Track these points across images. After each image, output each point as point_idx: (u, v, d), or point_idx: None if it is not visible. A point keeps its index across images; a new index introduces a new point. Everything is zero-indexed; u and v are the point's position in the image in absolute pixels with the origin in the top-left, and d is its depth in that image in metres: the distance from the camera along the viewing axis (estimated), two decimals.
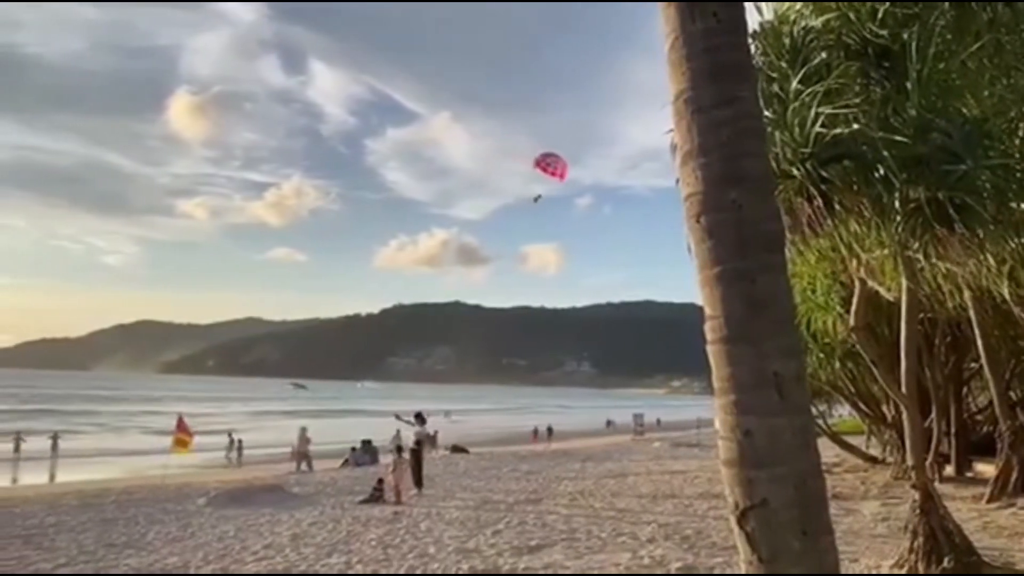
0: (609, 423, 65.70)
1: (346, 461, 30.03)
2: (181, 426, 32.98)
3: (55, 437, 38.35)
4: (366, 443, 31.87)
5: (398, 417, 22.35)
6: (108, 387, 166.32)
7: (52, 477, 30.78)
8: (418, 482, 18.07)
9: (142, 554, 11.23)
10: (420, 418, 20.16)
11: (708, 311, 3.59)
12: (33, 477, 29.52)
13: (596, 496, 16.86)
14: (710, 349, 3.60)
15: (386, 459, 28.09)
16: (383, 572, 9.50)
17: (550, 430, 48.57)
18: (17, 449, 35.88)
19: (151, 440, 43.82)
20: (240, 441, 35.11)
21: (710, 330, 3.59)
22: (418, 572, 9.28)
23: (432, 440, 41.27)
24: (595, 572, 9.08)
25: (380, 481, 17.54)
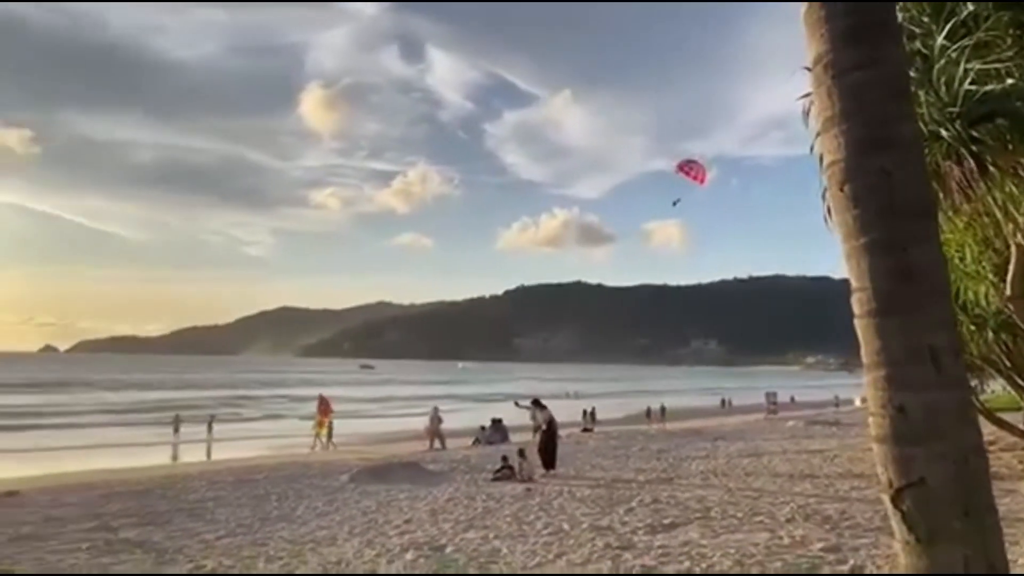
0: (724, 403, 64.08)
1: (476, 440, 30.74)
2: (322, 406, 34.79)
3: (211, 419, 41.24)
4: (496, 422, 32.47)
5: (517, 404, 22.63)
6: (254, 370, 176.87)
7: (208, 455, 33.15)
8: (548, 463, 18.23)
9: (293, 527, 11.94)
10: (538, 404, 20.32)
11: (855, 283, 3.46)
12: (191, 456, 31.86)
13: (730, 476, 16.54)
14: (858, 323, 3.47)
15: (517, 438, 28.61)
16: (519, 548, 9.71)
17: (663, 410, 48.04)
18: (177, 430, 38.79)
19: (295, 420, 46.12)
20: (331, 424, 34.76)
21: (858, 303, 3.45)
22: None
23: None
24: (733, 551, 8.94)
25: (505, 459, 17.87)
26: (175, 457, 32.08)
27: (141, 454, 30.63)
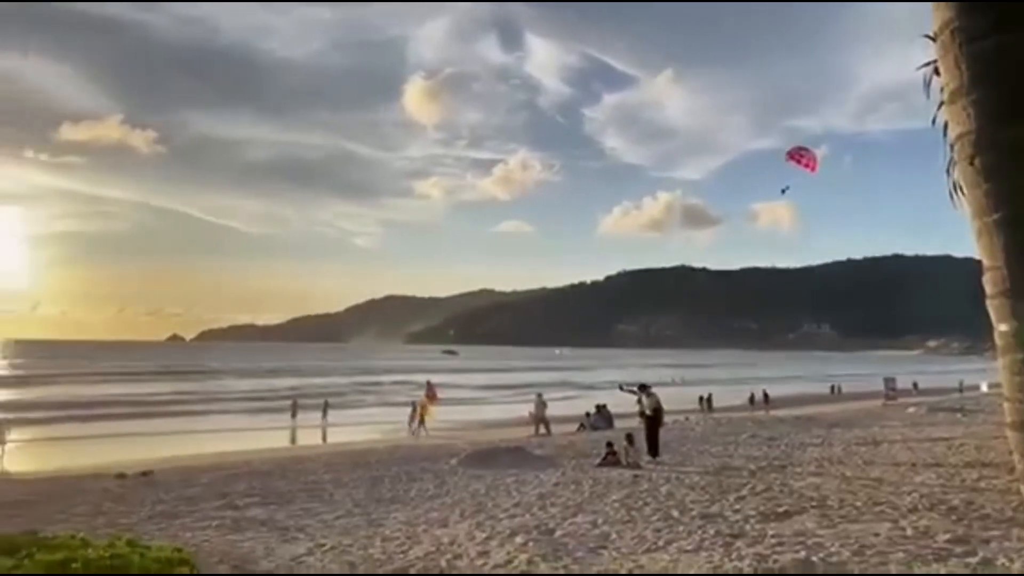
0: (834, 389, 61.62)
1: (581, 426, 30.79)
2: (430, 392, 35.62)
3: (326, 403, 42.91)
4: (600, 408, 32.42)
5: (621, 388, 22.50)
6: (363, 358, 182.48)
7: (324, 439, 34.54)
8: (652, 450, 18.07)
9: (406, 509, 12.30)
10: (644, 389, 20.12)
11: (987, 262, 3.29)
12: (308, 440, 33.26)
13: (846, 464, 15.97)
14: (990, 303, 3.30)
15: (621, 424, 28.48)
16: (628, 533, 9.70)
17: (766, 396, 46.72)
18: (294, 415, 40.52)
19: (403, 406, 47.32)
20: (423, 411, 35.31)
21: (990, 283, 3.28)
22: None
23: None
24: (852, 541, 8.64)
25: (610, 444, 17.81)
26: (294, 440, 33.61)
27: (263, 438, 32.22)
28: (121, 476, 17.85)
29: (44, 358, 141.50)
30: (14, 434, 27.79)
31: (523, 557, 8.54)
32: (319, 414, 41.10)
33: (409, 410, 35.71)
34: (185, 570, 7.25)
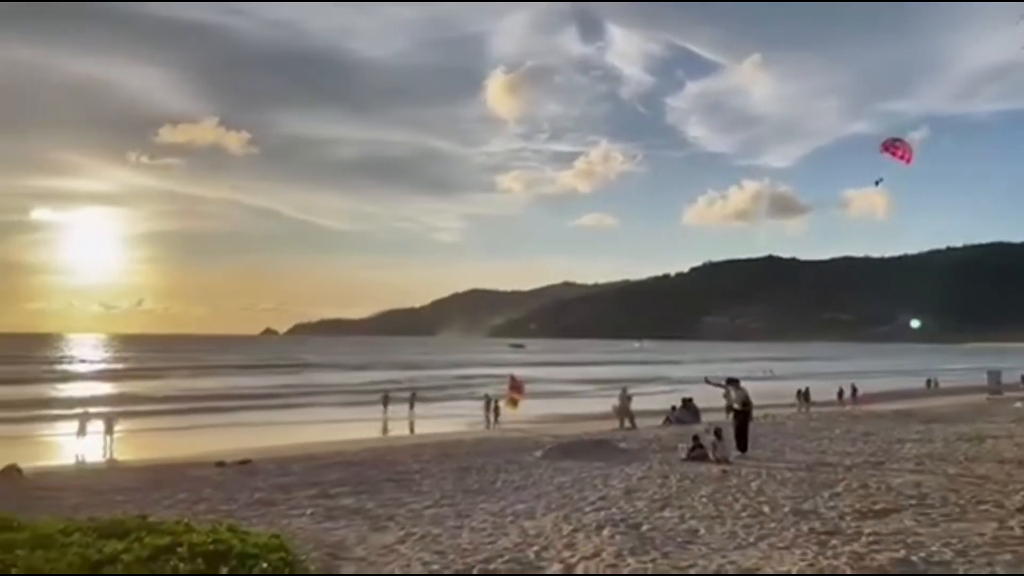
0: (930, 383, 58.88)
1: (667, 420, 30.43)
2: (514, 385, 35.78)
3: (413, 395, 43.73)
4: (687, 401, 31.99)
5: (708, 381, 22.11)
6: (447, 352, 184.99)
7: (411, 430, 35.21)
8: (741, 445, 17.71)
9: (492, 500, 12.42)
10: (733, 382, 19.70)
11: None
12: (396, 430, 33.97)
13: (948, 460, 15.31)
14: None
15: (708, 419, 28.02)
16: (717, 529, 9.55)
17: (855, 391, 45.12)
18: (385, 406, 41.42)
19: (485, 399, 47.68)
20: (497, 402, 35.50)
21: None
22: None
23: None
24: (955, 541, 8.28)
25: (696, 438, 17.55)
26: (386, 431, 34.51)
27: (353, 429, 33.07)
28: (220, 464, 18.64)
29: (147, 352, 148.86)
30: (120, 424, 29.32)
31: (610, 550, 8.52)
32: (406, 406, 41.91)
33: (482, 403, 36.17)
34: (281, 556, 7.50)
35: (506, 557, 8.34)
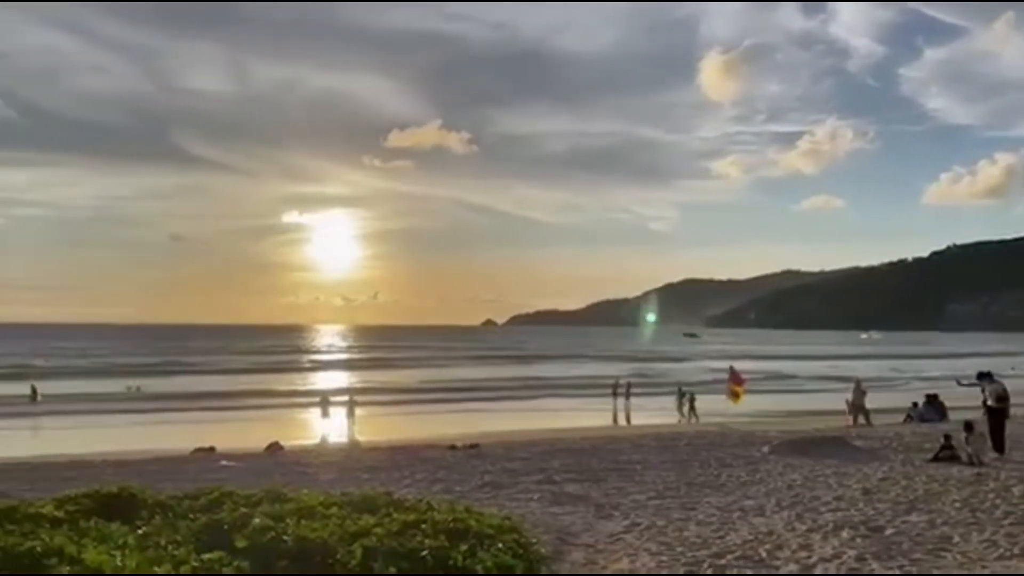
0: None
1: (908, 417, 28.10)
2: (734, 377, 34.69)
3: (628, 385, 43.73)
4: (931, 397, 29.31)
5: (960, 383, 20.07)
6: (660, 341, 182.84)
7: (628, 420, 35.31)
8: (998, 446, 15.95)
9: (719, 494, 12.14)
10: (986, 376, 17.68)
11: None
12: (604, 421, 34.30)
13: None
14: None
15: (957, 416, 25.51)
16: (975, 536, 8.70)
17: None
18: (615, 395, 41.83)
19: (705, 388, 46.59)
20: (692, 396, 34.66)
21: None
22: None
23: None
24: None
25: (947, 437, 16.00)
26: (615, 420, 35.19)
27: (570, 418, 33.76)
28: (452, 448, 19.71)
29: (383, 341, 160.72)
30: (360, 409, 31.96)
31: (851, 553, 8.05)
32: (618, 397, 42.09)
33: (675, 397, 35.85)
34: (514, 537, 7.83)
35: (736, 553, 8.14)
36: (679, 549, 8.37)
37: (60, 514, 7.28)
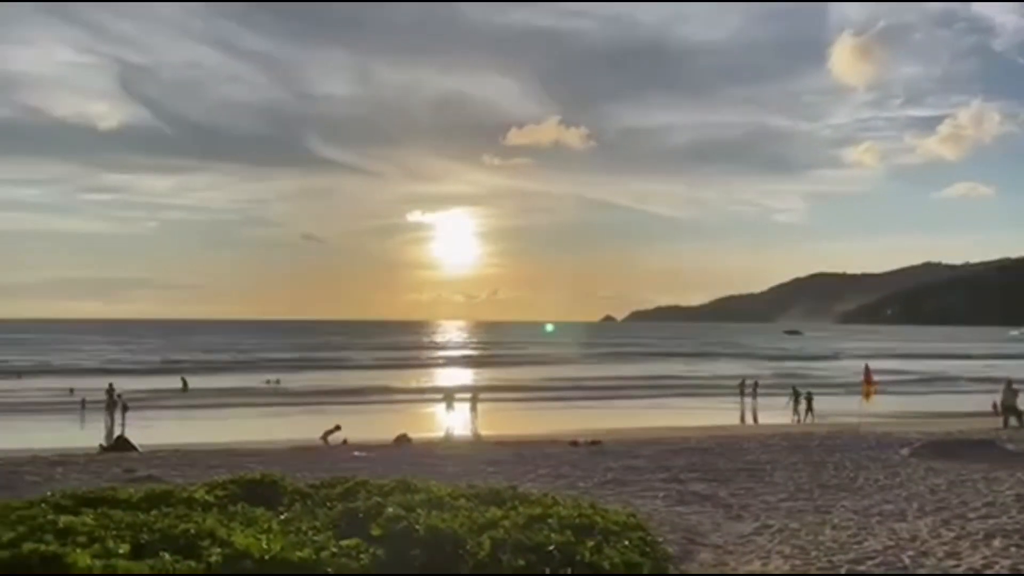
0: None
1: None
2: (868, 376, 33.08)
3: (755, 384, 42.51)
4: None
5: None
6: (783, 338, 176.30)
7: (755, 419, 34.35)
8: None
9: (855, 497, 11.58)
10: None
11: None
12: (734, 420, 33.38)
13: None
14: None
15: None
16: None
17: None
18: (743, 393, 40.88)
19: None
20: (809, 395, 33.64)
21: None
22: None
23: None
24: None
25: None
26: (743, 419, 34.43)
27: (691, 416, 33.11)
28: (573, 444, 19.77)
29: (503, 338, 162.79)
30: (482, 404, 32.54)
31: (1004, 563, 7.51)
32: (745, 396, 40.97)
33: (791, 398, 34.88)
34: (640, 535, 7.76)
35: (876, 559, 7.74)
36: (814, 553, 8.06)
37: (210, 498, 7.77)
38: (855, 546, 8.35)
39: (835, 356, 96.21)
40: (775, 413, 34.92)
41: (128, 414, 32.75)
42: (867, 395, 32.39)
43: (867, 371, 33.91)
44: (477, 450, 19.92)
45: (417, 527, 6.66)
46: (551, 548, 6.47)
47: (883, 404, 32.60)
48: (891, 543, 8.46)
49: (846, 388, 42.07)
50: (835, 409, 34.40)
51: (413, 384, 56.29)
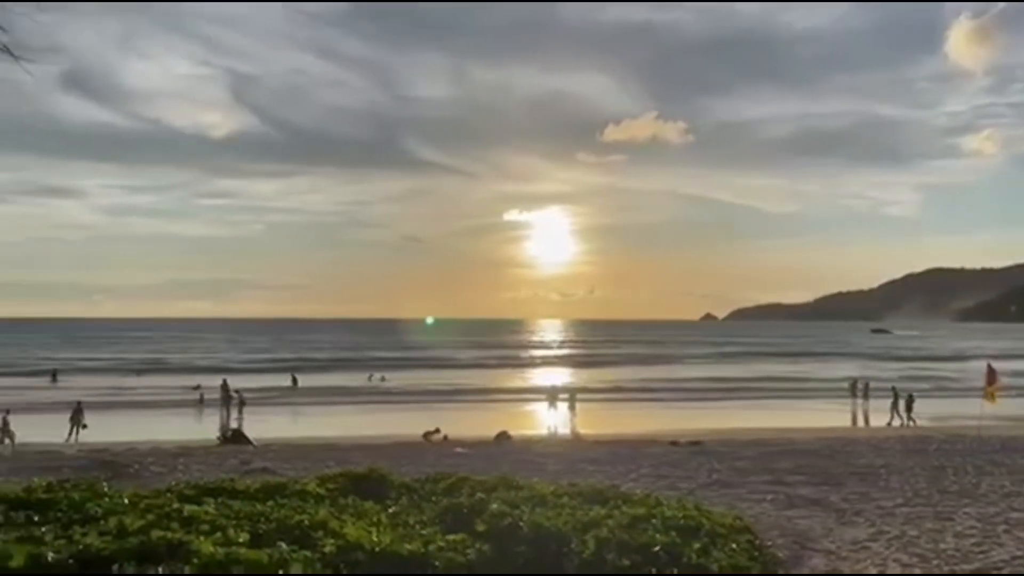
0: None
1: None
2: (992, 377, 31.19)
3: (866, 385, 40.78)
4: None
5: None
6: (904, 337, 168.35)
7: (867, 421, 33.00)
8: None
9: (978, 504, 10.99)
10: None
11: None
12: (840, 421, 32.22)
13: None
14: None
15: None
16: None
17: None
18: (854, 395, 39.40)
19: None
20: (910, 396, 32.02)
21: None
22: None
23: None
24: None
25: None
26: (854, 421, 33.29)
27: (794, 418, 32.08)
28: (674, 444, 19.48)
29: (600, 336, 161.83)
30: (580, 403, 32.45)
31: None
32: (857, 397, 39.41)
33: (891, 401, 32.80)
34: (748, 539, 7.58)
35: (1004, 571, 7.33)
36: (935, 562, 7.69)
37: (322, 491, 8.05)
38: (980, 555, 7.93)
39: (958, 357, 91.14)
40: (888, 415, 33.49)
41: (244, 409, 34.46)
42: (990, 397, 30.57)
43: (990, 371, 32.00)
44: (577, 448, 19.91)
45: (521, 524, 6.71)
46: (656, 548, 6.40)
47: (1008, 407, 30.64)
48: (1020, 553, 8.00)
49: (966, 390, 39.85)
50: (954, 412, 32.61)
51: (512, 383, 56.70)
